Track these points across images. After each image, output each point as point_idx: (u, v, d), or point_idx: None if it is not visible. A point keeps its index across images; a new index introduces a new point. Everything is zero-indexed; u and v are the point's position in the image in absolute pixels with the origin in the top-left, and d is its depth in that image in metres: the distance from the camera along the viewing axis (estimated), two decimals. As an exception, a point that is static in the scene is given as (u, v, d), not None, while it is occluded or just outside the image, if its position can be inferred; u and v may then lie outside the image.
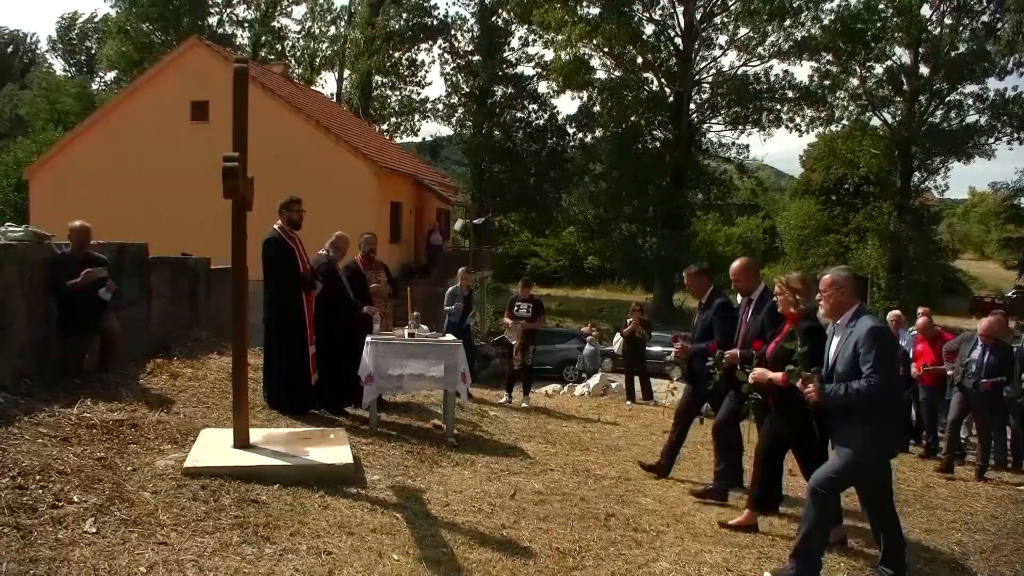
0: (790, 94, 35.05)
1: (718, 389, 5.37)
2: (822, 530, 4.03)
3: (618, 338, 12.94)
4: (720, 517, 5.02)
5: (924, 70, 33.94)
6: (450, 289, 10.63)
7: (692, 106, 35.47)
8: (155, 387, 6.41)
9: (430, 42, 41.42)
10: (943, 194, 39.79)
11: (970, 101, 34.11)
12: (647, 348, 12.59)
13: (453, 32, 41.20)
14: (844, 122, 36.24)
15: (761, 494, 4.89)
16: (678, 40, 35.08)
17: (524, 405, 9.76)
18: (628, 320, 12.34)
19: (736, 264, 5.54)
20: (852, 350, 3.89)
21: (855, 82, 34.86)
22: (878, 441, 3.95)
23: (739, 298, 5.64)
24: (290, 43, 44.41)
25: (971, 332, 8.55)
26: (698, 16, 34.48)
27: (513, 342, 10.19)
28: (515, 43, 40.91)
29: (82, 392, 5.62)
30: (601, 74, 36.29)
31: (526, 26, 38.13)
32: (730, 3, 33.98)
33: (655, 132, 36.84)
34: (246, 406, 5.01)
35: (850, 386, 3.84)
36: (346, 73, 42.33)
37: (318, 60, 43.79)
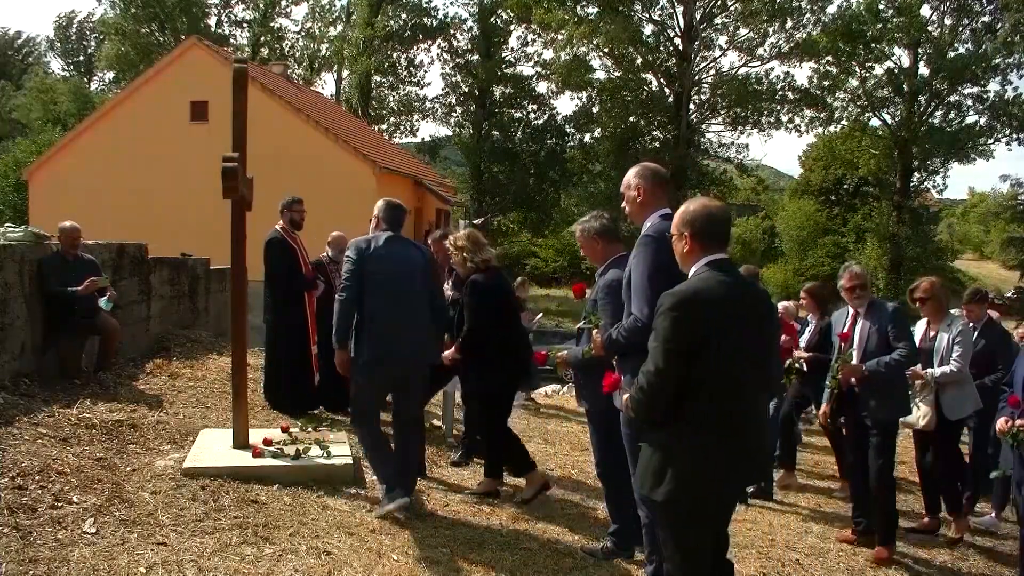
0: (790, 95, 35.03)
1: None
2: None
3: None
4: None
5: (924, 71, 33.97)
6: None
7: (692, 107, 35.44)
8: (154, 387, 6.41)
9: (429, 42, 41.41)
10: (942, 194, 39.86)
11: (969, 102, 34.12)
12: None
13: (452, 32, 41.20)
14: (844, 123, 36.23)
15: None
16: (678, 40, 35.06)
17: (524, 402, 9.76)
18: None
19: None
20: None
21: (855, 83, 34.85)
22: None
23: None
24: (289, 43, 44.38)
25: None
26: (698, 16, 34.45)
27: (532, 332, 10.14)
28: (514, 43, 40.90)
29: (81, 392, 5.62)
30: (600, 74, 36.29)
31: (525, 26, 38.08)
32: (730, 3, 33.96)
33: (654, 132, 36.77)
34: (245, 406, 5.01)
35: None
36: (345, 73, 42.30)
37: (318, 62, 43.75)
